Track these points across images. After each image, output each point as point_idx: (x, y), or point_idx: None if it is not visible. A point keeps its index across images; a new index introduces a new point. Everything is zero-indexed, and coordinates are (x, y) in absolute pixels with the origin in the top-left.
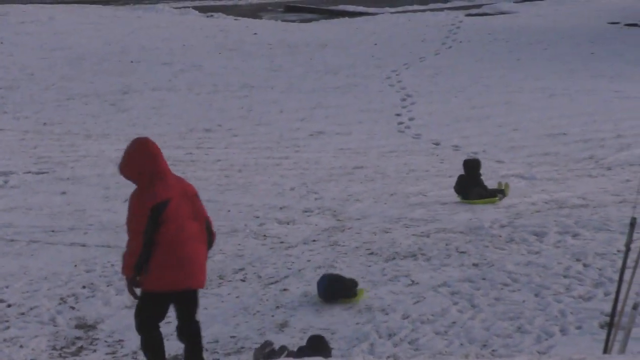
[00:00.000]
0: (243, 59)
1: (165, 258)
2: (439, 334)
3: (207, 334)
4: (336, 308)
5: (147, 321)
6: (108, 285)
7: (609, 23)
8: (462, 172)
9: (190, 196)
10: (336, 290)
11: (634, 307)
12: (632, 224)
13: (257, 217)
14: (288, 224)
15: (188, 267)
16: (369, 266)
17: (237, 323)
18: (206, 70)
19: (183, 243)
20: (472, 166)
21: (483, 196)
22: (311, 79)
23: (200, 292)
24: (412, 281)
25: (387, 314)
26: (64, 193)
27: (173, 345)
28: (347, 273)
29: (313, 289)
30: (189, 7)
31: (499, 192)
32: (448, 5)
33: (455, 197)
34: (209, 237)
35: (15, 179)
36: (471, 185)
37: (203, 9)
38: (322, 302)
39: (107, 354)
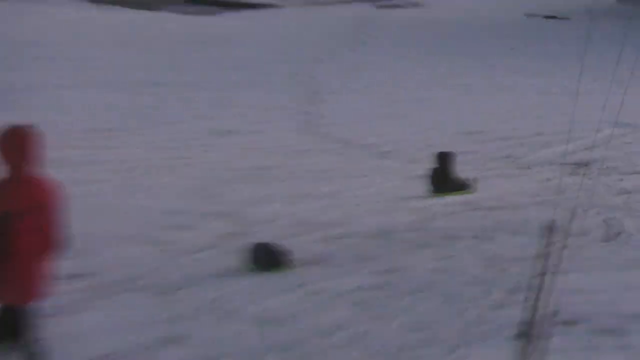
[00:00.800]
0: (145, 54)
1: None
2: (339, 347)
3: (90, 351)
4: (235, 321)
5: None
6: None
7: (526, 15)
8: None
9: (39, 206)
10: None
11: (552, 316)
12: (551, 226)
13: (155, 222)
14: (188, 228)
15: (14, 282)
16: None
17: (123, 338)
18: (107, 66)
19: (12, 256)
20: (446, 159)
21: (457, 189)
22: (217, 75)
23: (82, 305)
24: (315, 290)
25: (282, 326)
26: None
27: None
28: None
29: (210, 299)
30: (83, 0)
31: (471, 184)
32: None
33: (368, 199)
34: (53, 250)
35: None
36: (445, 178)
37: (98, 1)
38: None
39: None
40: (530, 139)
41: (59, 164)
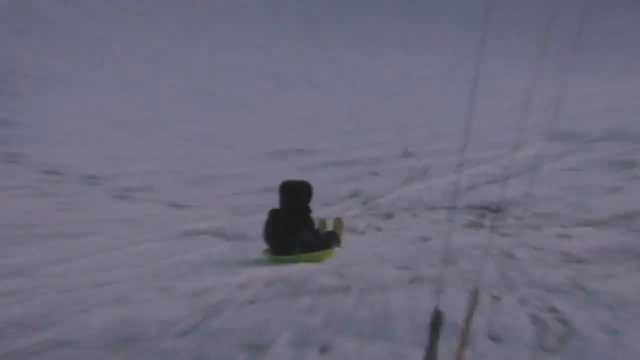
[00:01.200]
0: None
1: None
2: None
3: None
4: None
5: None
6: None
7: None
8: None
9: None
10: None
11: None
12: (437, 324)
13: None
14: None
15: None
16: None
17: None
18: None
19: None
20: (295, 192)
21: (313, 246)
22: None
23: None
24: None
25: None
26: None
27: None
28: None
29: None
30: None
31: (334, 238)
32: None
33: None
34: None
35: None
36: (294, 227)
37: None
38: None
39: None
40: (392, 163)
41: None
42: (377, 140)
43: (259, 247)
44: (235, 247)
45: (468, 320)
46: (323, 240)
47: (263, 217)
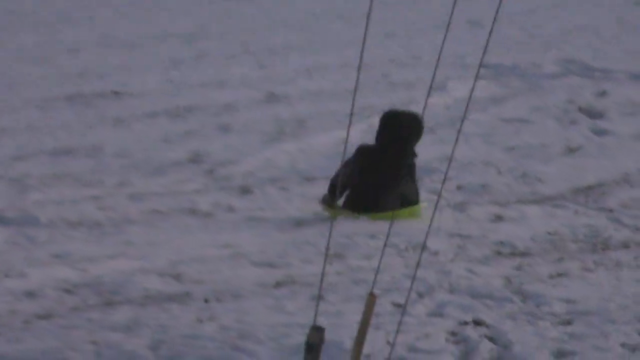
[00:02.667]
0: None
1: None
2: None
3: None
4: None
5: None
6: None
7: None
8: None
9: None
10: None
11: None
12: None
13: None
14: None
15: None
16: None
17: None
18: None
19: None
20: (404, 127)
21: (410, 201)
22: None
23: None
24: None
25: None
26: None
27: None
28: None
29: None
30: None
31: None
32: None
33: None
34: None
35: None
36: (392, 175)
37: None
38: None
39: None
40: (250, 111)
41: None
42: (229, 75)
43: (56, 235)
44: (20, 237)
45: (360, 339)
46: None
47: (59, 191)
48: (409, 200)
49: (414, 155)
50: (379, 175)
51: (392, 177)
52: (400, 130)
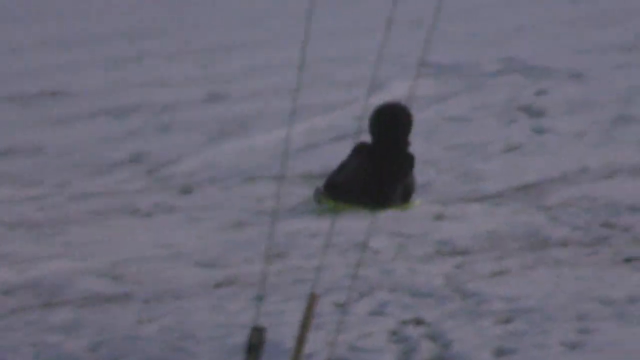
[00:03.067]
0: None
1: None
2: None
3: None
4: None
5: None
6: None
7: None
8: None
9: None
10: None
11: None
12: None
13: None
14: None
15: None
16: None
17: None
18: None
19: None
20: (398, 120)
21: (411, 192)
22: None
23: None
24: None
25: None
26: None
27: None
28: None
29: None
30: None
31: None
32: None
33: None
34: None
35: None
36: (396, 170)
37: None
38: None
39: None
40: (191, 111)
41: None
42: (170, 74)
43: None
44: None
45: (301, 339)
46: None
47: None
48: (412, 191)
49: (409, 145)
50: (386, 169)
51: (399, 171)
52: (397, 122)
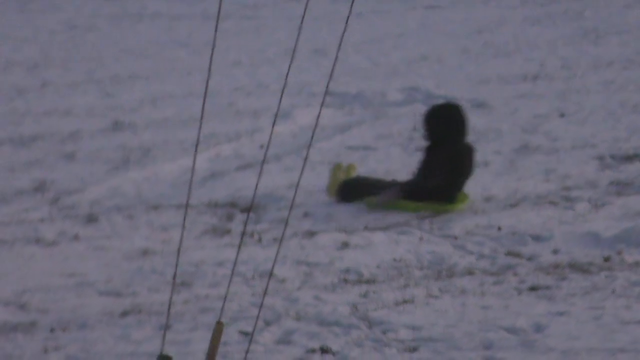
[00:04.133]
0: None
1: None
2: None
3: None
4: None
5: None
6: None
7: None
8: None
9: None
10: None
11: None
12: None
13: None
14: None
15: None
16: None
17: None
18: None
19: None
20: (462, 121)
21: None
22: None
23: None
24: None
25: None
26: None
27: None
28: None
29: None
30: None
31: None
32: None
33: None
34: None
35: None
36: (466, 164)
37: None
38: None
39: None
40: (95, 140)
41: None
42: (74, 103)
43: None
44: None
45: None
46: None
47: None
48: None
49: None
50: (466, 166)
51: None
52: (462, 120)
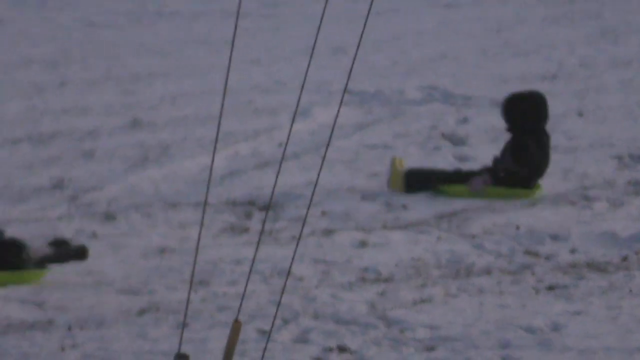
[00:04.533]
0: None
1: None
2: None
3: None
4: None
5: None
6: None
7: None
8: None
9: None
10: None
11: None
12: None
13: None
14: None
15: None
16: None
17: None
18: None
19: None
20: (543, 109)
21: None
22: None
23: None
24: None
25: None
26: None
27: None
28: None
29: None
30: None
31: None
32: None
33: None
34: None
35: None
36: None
37: None
38: None
39: None
40: (114, 138)
41: None
42: (92, 101)
43: None
44: None
45: None
46: None
47: None
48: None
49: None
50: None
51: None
52: (547, 107)
